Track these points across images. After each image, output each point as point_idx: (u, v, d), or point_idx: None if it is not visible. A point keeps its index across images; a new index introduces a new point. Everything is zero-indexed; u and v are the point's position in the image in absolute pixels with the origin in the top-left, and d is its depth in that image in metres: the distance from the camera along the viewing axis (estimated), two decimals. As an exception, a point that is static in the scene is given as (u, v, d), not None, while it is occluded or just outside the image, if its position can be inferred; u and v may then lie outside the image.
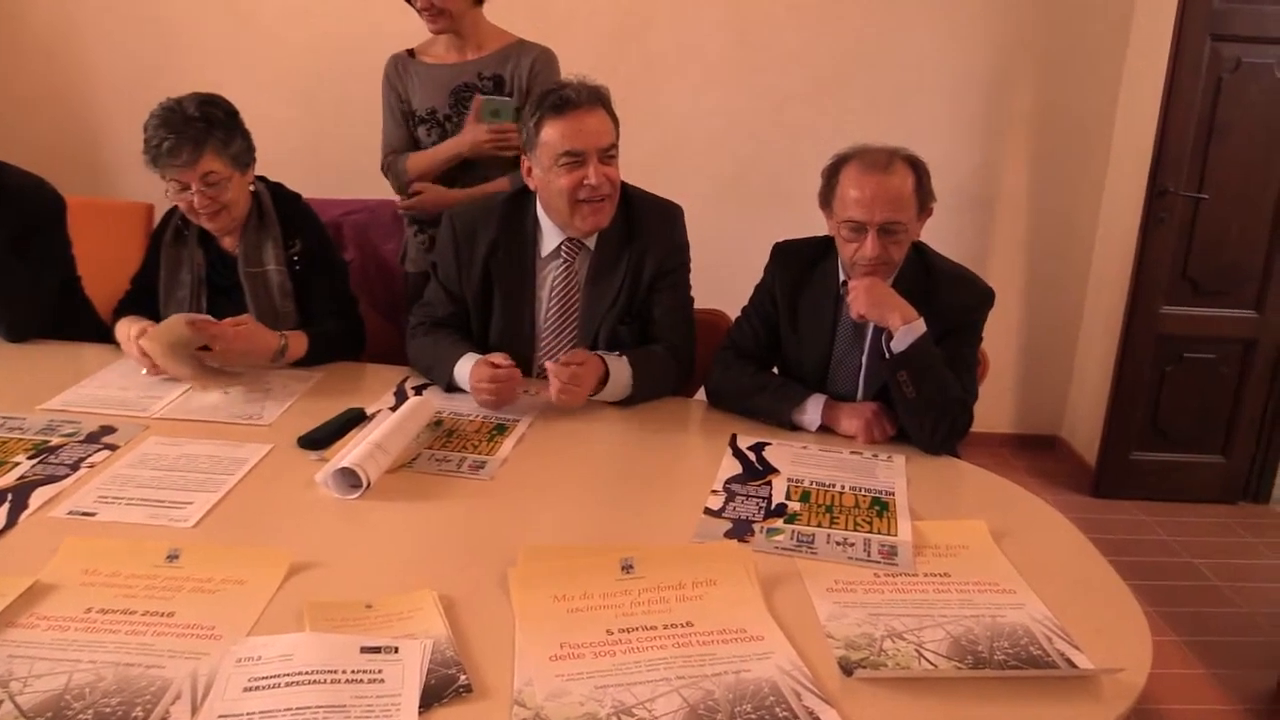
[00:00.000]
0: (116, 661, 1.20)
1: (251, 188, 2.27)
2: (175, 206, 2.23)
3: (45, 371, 2.13)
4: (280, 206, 2.32)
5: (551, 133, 2.00)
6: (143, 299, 2.31)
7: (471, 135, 2.59)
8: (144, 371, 2.11)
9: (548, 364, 1.98)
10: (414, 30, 2.68)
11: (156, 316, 2.23)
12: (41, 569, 1.38)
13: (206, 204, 2.15)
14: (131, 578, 1.38)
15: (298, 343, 2.20)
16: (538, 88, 2.49)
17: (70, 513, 1.56)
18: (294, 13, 3.60)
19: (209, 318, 2.10)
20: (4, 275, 2.25)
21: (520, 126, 2.08)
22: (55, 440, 1.81)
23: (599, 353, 2.07)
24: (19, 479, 1.66)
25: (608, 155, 2.04)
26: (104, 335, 2.24)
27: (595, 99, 2.02)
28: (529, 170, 2.10)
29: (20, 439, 1.81)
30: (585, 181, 2.01)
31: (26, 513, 1.56)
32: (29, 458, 1.74)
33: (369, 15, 3.44)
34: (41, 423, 1.89)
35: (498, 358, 2.01)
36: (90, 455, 1.76)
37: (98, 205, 2.86)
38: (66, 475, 1.68)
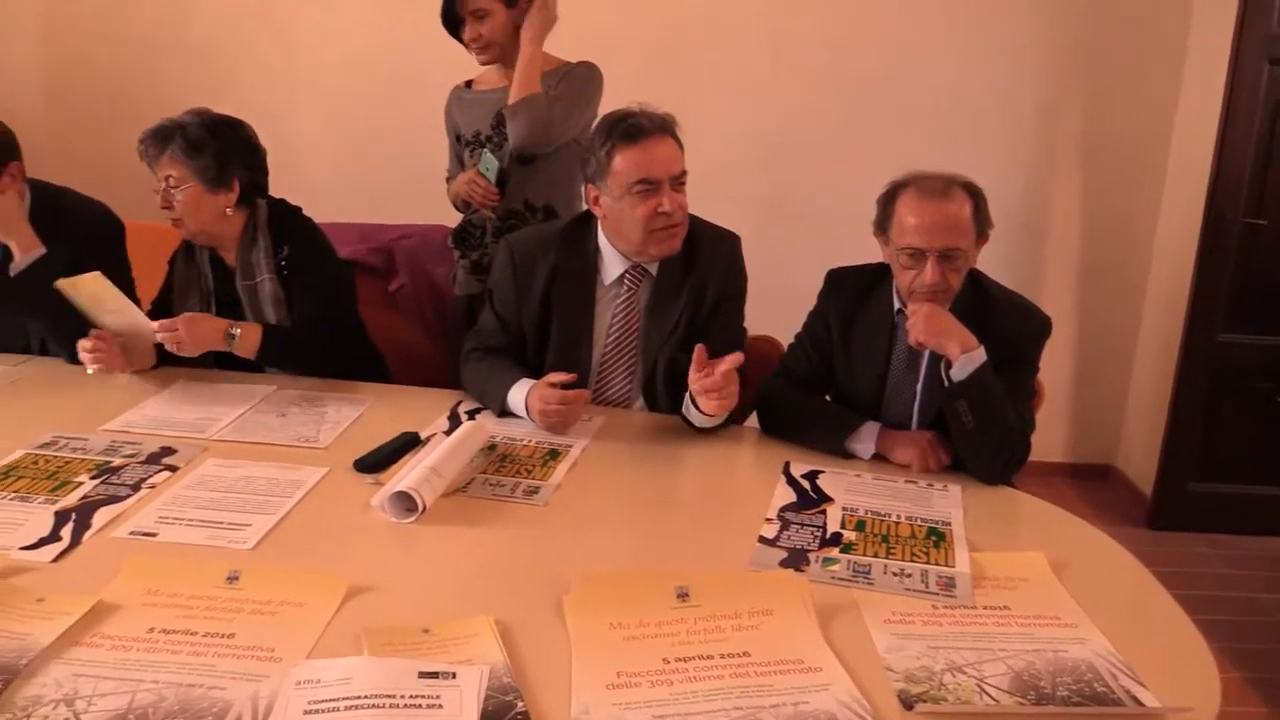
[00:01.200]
0: (179, 682, 1.21)
1: (229, 210, 2.30)
2: None
3: (106, 392, 2.17)
4: (273, 218, 2.37)
5: (624, 162, 2.02)
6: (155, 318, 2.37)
7: (465, 178, 2.74)
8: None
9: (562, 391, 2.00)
10: (469, 60, 2.73)
11: None
12: (104, 588, 1.40)
13: (164, 205, 2.24)
14: (192, 598, 1.39)
15: (250, 332, 2.22)
16: (558, 88, 2.58)
17: (132, 533, 1.59)
18: (350, 45, 3.68)
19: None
20: (64, 298, 2.29)
21: (589, 155, 2.10)
22: (117, 461, 1.84)
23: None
24: (82, 499, 1.69)
25: (679, 182, 2.06)
26: (163, 356, 2.28)
27: (664, 127, 2.04)
28: (595, 199, 2.11)
29: (83, 459, 1.85)
30: (660, 209, 2.02)
31: (90, 532, 1.58)
32: (91, 477, 1.77)
33: (425, 47, 3.48)
34: (103, 443, 1.92)
35: (557, 377, 2.02)
36: (151, 476, 1.78)
37: (157, 229, 2.90)
38: (128, 495, 1.70)
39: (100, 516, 1.63)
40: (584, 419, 2.08)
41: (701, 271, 2.15)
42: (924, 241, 1.87)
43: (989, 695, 1.23)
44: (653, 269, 2.16)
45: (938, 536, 1.65)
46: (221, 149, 2.26)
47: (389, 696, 1.17)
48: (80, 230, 2.41)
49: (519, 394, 2.06)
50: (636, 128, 2.02)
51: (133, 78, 3.74)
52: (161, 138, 2.22)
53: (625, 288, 2.17)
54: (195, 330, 2.16)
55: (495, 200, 2.68)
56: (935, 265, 1.87)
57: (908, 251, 1.90)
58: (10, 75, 3.74)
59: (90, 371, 2.19)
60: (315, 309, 2.33)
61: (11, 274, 2.30)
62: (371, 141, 3.71)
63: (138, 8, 3.71)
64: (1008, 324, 1.97)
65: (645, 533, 1.71)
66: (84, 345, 2.19)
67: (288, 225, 2.38)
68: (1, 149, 2.30)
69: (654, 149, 2.02)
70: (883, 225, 1.97)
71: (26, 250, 2.30)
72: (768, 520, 1.69)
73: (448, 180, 2.90)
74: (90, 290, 2.16)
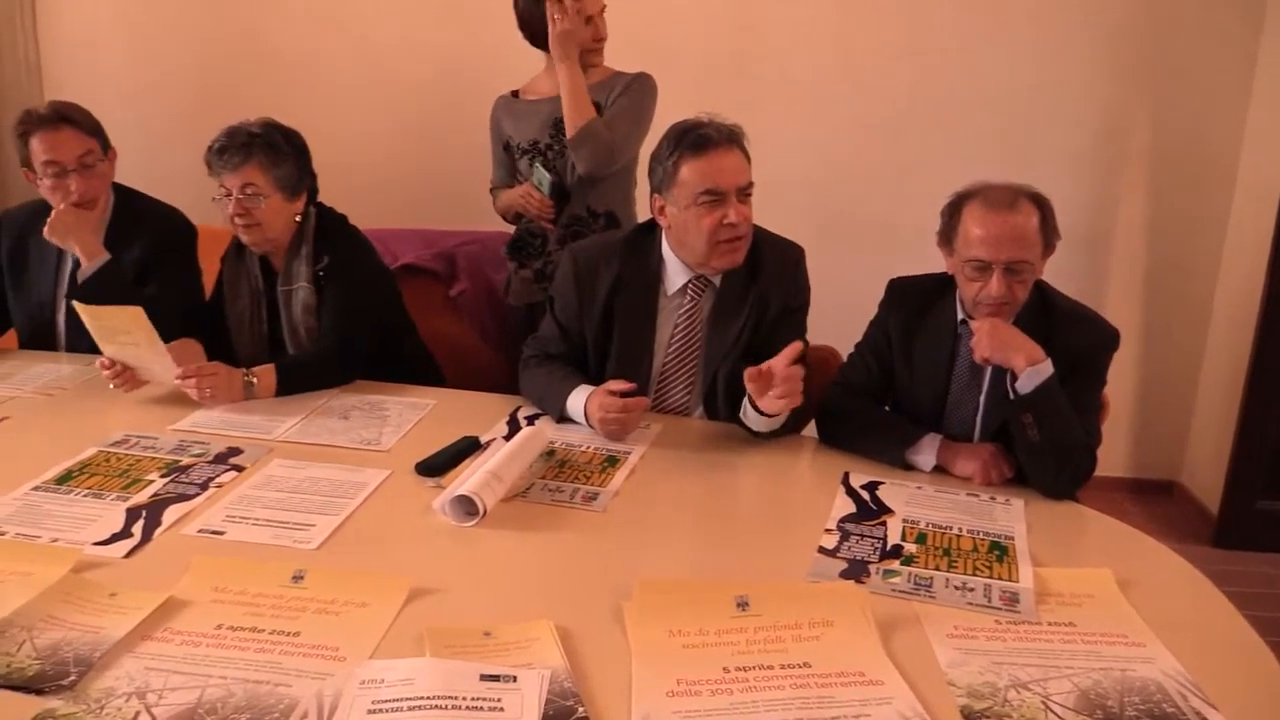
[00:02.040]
0: (246, 678, 1.23)
1: (297, 218, 2.35)
2: None
3: (174, 393, 2.20)
4: (320, 227, 2.40)
5: (690, 172, 2.02)
6: (195, 317, 2.45)
7: (519, 191, 2.77)
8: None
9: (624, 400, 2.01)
10: (530, 67, 2.75)
11: (213, 332, 2.42)
12: (174, 585, 1.43)
13: (240, 213, 2.26)
14: (259, 596, 1.42)
15: (266, 378, 2.22)
16: (616, 104, 2.62)
17: (200, 531, 1.62)
18: (415, 50, 3.72)
19: (192, 366, 2.16)
20: (129, 302, 2.34)
21: (656, 165, 2.11)
22: (186, 460, 1.88)
23: None
24: (152, 496, 1.73)
25: (744, 194, 2.06)
26: (230, 359, 2.32)
27: (731, 138, 2.04)
28: (661, 208, 2.12)
29: (153, 458, 1.89)
30: (725, 221, 2.02)
31: (160, 529, 1.62)
32: (161, 476, 1.81)
33: (492, 58, 3.51)
34: (172, 443, 1.97)
35: (616, 385, 2.03)
36: (218, 475, 1.82)
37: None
38: (197, 494, 1.74)
39: (170, 514, 1.67)
40: (642, 426, 2.08)
41: (765, 283, 2.14)
42: (990, 254, 1.85)
43: (1054, 713, 1.21)
44: (716, 280, 2.15)
45: (1000, 550, 1.62)
46: (297, 158, 2.32)
47: (451, 698, 1.18)
48: (153, 234, 2.48)
49: (578, 400, 2.07)
50: (705, 138, 2.02)
51: (212, 83, 3.83)
52: (242, 145, 2.24)
53: (688, 298, 2.16)
54: (218, 385, 2.16)
55: (550, 213, 2.70)
56: (1001, 278, 1.85)
57: (973, 264, 1.87)
58: (96, 80, 3.85)
59: (111, 388, 2.20)
60: (339, 319, 2.36)
61: (78, 280, 2.37)
62: (438, 149, 3.75)
63: (222, 17, 3.80)
64: (1074, 336, 1.94)
65: (704, 540, 1.71)
66: (101, 364, 2.21)
67: (332, 234, 2.42)
68: (101, 131, 2.43)
69: (721, 160, 2.02)
70: (948, 236, 1.95)
71: (92, 257, 2.37)
72: (827, 531, 1.68)
73: (492, 190, 2.92)
74: (116, 321, 2.15)
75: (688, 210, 2.04)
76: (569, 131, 2.59)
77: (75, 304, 2.20)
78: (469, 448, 1.95)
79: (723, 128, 2.05)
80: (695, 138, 2.02)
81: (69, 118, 2.37)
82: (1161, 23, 3.55)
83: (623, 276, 2.17)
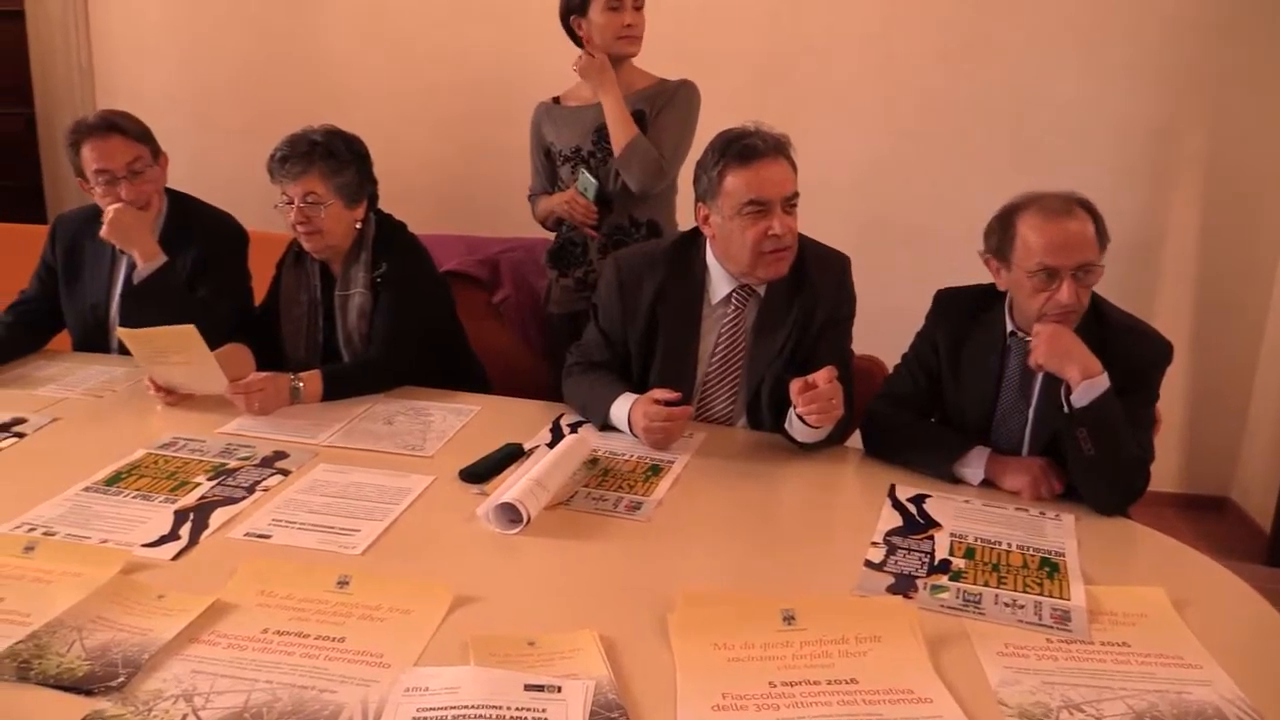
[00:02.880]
0: (292, 683, 1.24)
1: (358, 225, 2.37)
2: None
3: (221, 397, 2.20)
4: (379, 234, 2.42)
5: (735, 182, 2.01)
6: (244, 321, 2.47)
7: (562, 197, 2.75)
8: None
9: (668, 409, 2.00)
10: (571, 73, 2.75)
11: (263, 336, 2.42)
12: (221, 588, 1.44)
13: (301, 221, 2.28)
14: (304, 601, 1.43)
15: (312, 384, 2.23)
16: (662, 117, 2.62)
17: (247, 534, 1.63)
18: (457, 56, 3.75)
19: (241, 382, 2.16)
20: (184, 304, 2.37)
21: (700, 173, 2.09)
22: (232, 463, 1.90)
23: None
24: (200, 499, 1.74)
25: (790, 204, 2.04)
26: (278, 364, 2.34)
27: (778, 148, 2.02)
28: (705, 217, 2.10)
29: (201, 460, 1.91)
30: (770, 232, 2.00)
31: (207, 532, 1.63)
32: (209, 479, 1.83)
33: (528, 58, 3.53)
34: (219, 446, 1.99)
35: (660, 394, 2.02)
36: (265, 479, 1.83)
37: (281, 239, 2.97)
38: (243, 498, 1.76)
39: (217, 517, 1.68)
40: (685, 435, 2.07)
41: (810, 293, 2.12)
42: (1058, 260, 1.80)
43: (1109, 736, 1.18)
44: (760, 289, 2.13)
45: (1051, 567, 1.60)
46: (358, 165, 2.34)
47: (495, 708, 1.17)
48: (206, 238, 2.50)
49: (622, 408, 2.06)
50: (751, 148, 2.00)
51: (257, 90, 3.89)
52: (303, 154, 2.26)
53: (732, 308, 2.15)
54: (266, 398, 2.17)
55: (594, 219, 2.69)
56: (1071, 284, 1.80)
57: (1042, 273, 1.82)
58: (146, 85, 3.92)
59: (160, 409, 2.21)
60: (389, 328, 2.37)
61: (135, 281, 2.40)
62: (481, 155, 3.77)
63: (268, 24, 3.86)
64: (1126, 349, 1.89)
65: (748, 552, 1.69)
66: (148, 385, 2.23)
67: (390, 242, 2.43)
68: (151, 137, 2.47)
69: (767, 170, 2.00)
70: (1001, 250, 1.90)
71: (148, 259, 2.39)
72: (873, 544, 1.66)
73: (530, 197, 2.91)
74: (165, 343, 2.15)
75: (732, 220, 2.03)
76: (615, 150, 2.60)
77: (119, 331, 2.22)
78: (512, 455, 1.95)
79: (769, 137, 2.03)
80: (741, 148, 2.01)
81: (117, 126, 2.40)
82: (1212, 25, 3.48)
83: (666, 285, 2.16)
